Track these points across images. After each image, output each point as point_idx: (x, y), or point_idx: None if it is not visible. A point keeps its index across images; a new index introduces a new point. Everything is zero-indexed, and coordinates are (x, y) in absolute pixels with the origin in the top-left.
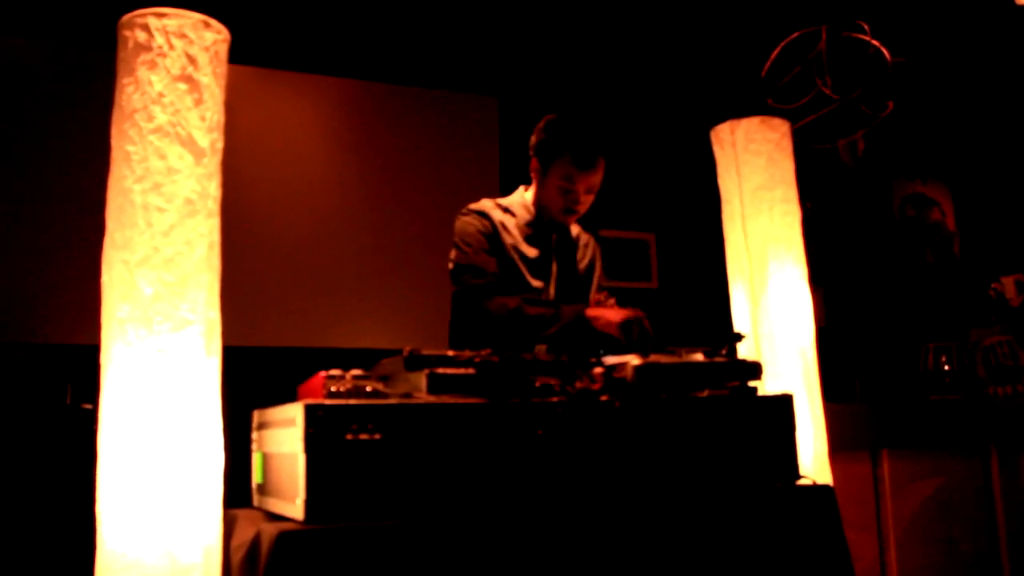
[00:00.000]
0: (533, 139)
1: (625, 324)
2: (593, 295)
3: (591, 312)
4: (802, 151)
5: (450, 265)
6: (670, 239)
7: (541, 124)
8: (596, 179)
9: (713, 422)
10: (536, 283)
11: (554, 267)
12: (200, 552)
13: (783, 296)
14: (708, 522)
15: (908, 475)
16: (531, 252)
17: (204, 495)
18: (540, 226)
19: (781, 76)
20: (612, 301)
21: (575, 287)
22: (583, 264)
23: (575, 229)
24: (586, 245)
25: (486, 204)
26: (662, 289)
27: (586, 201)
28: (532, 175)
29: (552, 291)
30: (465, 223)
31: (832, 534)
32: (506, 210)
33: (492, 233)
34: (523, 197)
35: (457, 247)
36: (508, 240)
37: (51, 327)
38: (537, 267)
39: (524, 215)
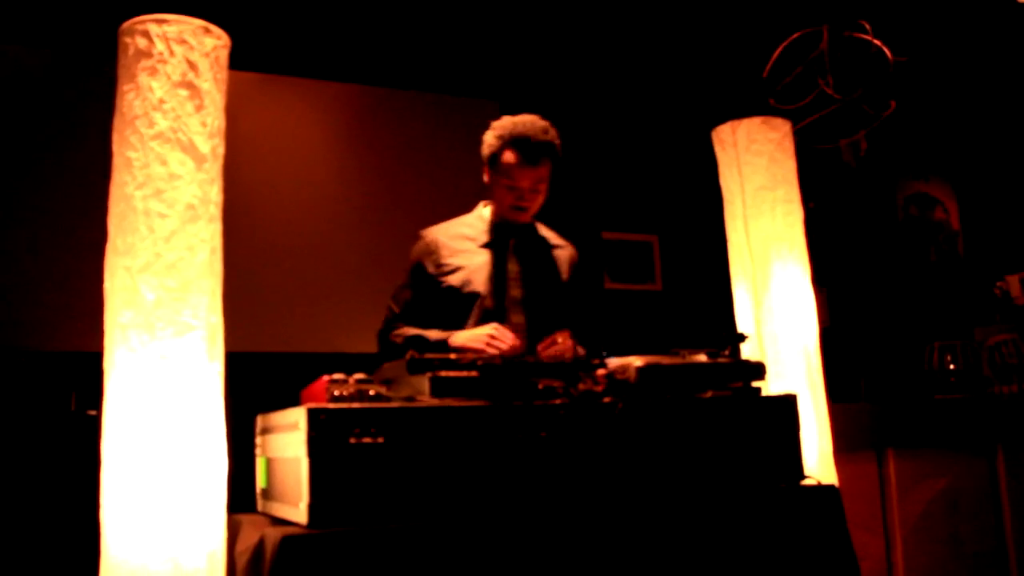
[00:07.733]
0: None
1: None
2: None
3: (453, 343)
4: (804, 151)
5: None
6: (673, 241)
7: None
8: (541, 173)
9: (717, 423)
10: (482, 289)
11: (511, 268)
12: (204, 557)
13: (786, 296)
14: (713, 523)
15: (914, 475)
16: (479, 259)
17: (208, 500)
18: (495, 232)
19: (783, 76)
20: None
21: (544, 287)
22: (552, 271)
23: (550, 237)
24: (561, 250)
25: (437, 227)
26: (666, 291)
27: (533, 198)
28: (488, 183)
29: (517, 293)
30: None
31: (838, 534)
32: (463, 223)
33: (428, 253)
34: (480, 211)
35: None
36: (457, 248)
37: (54, 334)
38: (491, 273)
39: (479, 224)
